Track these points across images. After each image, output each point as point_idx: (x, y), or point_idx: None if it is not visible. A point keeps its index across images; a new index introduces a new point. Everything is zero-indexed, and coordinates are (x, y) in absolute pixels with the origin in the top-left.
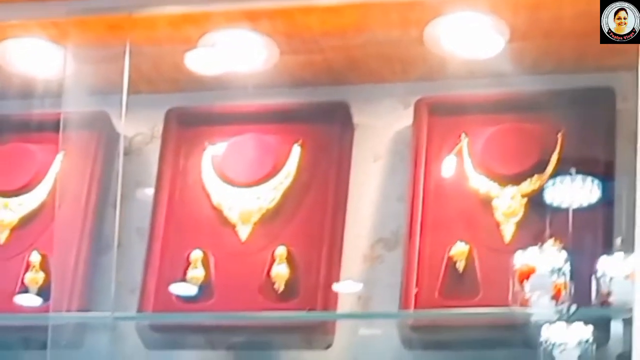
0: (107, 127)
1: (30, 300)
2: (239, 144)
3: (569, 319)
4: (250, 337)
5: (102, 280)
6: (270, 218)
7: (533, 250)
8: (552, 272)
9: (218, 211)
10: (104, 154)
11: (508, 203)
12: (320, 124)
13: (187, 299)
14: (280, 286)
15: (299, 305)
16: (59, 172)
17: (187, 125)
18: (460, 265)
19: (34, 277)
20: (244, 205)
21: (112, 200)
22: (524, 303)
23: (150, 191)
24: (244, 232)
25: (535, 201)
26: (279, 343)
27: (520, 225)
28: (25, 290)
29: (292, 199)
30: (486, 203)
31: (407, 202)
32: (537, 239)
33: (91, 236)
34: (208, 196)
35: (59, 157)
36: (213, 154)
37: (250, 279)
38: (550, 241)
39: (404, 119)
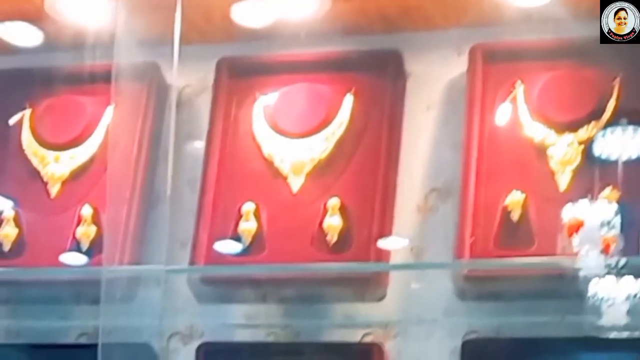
0: (158, 78)
1: (82, 254)
2: (291, 94)
3: (618, 273)
4: (301, 290)
5: (153, 233)
6: (323, 169)
7: (583, 203)
8: (602, 225)
9: (269, 162)
10: (155, 105)
11: (564, 150)
12: (372, 73)
13: (239, 252)
14: (332, 238)
15: (352, 257)
16: (109, 124)
17: (239, 76)
18: (515, 215)
19: (86, 231)
20: (296, 156)
21: (162, 153)
22: (573, 257)
23: (200, 143)
24: (295, 183)
25: (592, 149)
26: (331, 296)
27: (576, 173)
28: (76, 244)
29: (345, 149)
30: (541, 151)
31: (460, 151)
32: (593, 188)
33: (142, 189)
34: (259, 147)
35: (110, 109)
36: (264, 104)
37: (302, 231)
38: (607, 190)
39: (458, 66)
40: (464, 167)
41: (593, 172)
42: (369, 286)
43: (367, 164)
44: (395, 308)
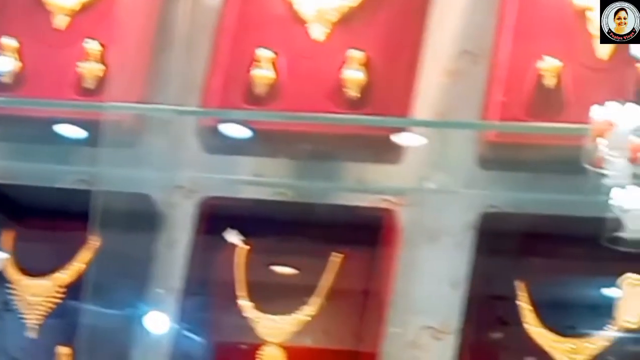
0: None
1: (85, 91)
2: None
3: None
4: (315, 147)
5: (163, 76)
6: (349, 19)
7: (613, 105)
8: (634, 130)
9: (292, 8)
10: None
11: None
12: None
13: (253, 100)
14: (353, 92)
15: (371, 112)
16: None
17: None
18: (549, 82)
19: (92, 68)
20: (322, 2)
21: None
22: (598, 163)
23: None
24: (319, 31)
25: None
26: (345, 156)
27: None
28: (81, 80)
29: (375, 0)
30: (581, 15)
31: (496, 10)
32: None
33: (155, 29)
34: None
35: None
36: None
37: (321, 83)
38: None
39: None
40: (497, 28)
41: None
42: (386, 146)
43: (397, 19)
44: (411, 172)
